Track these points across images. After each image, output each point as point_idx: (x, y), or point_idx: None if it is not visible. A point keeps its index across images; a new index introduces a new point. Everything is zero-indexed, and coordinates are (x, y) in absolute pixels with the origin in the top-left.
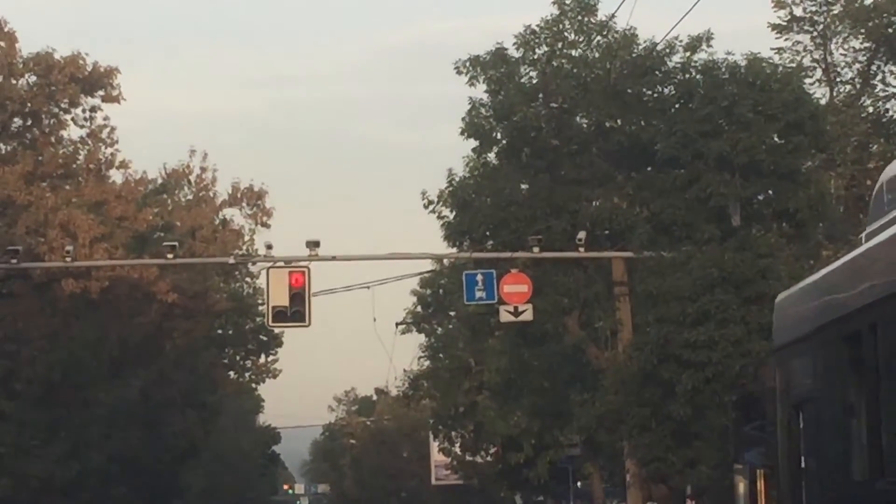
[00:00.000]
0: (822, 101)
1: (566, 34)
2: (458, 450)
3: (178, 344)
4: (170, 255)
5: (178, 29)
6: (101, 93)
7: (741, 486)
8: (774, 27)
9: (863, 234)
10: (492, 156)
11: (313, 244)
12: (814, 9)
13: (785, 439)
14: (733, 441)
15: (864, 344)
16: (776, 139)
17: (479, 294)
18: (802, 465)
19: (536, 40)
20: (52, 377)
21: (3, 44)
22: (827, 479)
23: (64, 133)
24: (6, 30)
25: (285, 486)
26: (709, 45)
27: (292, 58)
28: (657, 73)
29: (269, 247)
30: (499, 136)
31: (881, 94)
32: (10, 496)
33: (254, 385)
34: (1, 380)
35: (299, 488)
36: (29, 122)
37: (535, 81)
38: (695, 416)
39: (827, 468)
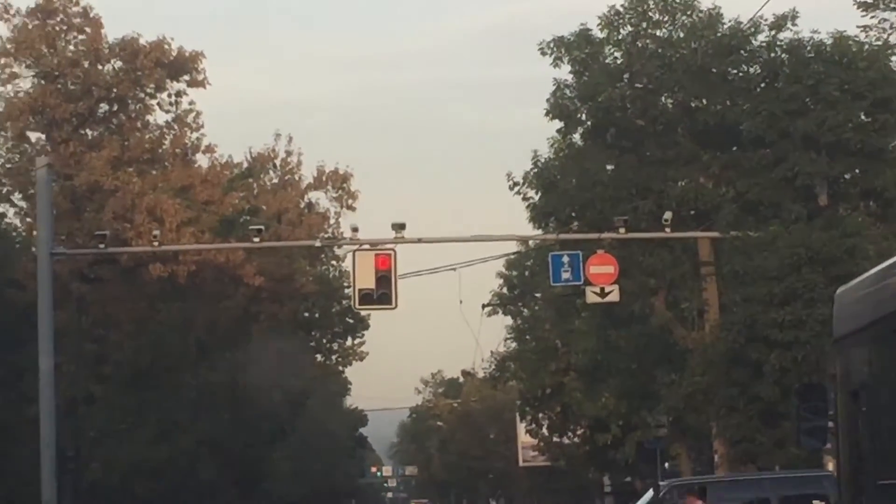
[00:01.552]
0: None
1: (650, 14)
2: (545, 431)
3: (264, 327)
4: (256, 239)
5: (264, 13)
6: (186, 77)
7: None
8: (860, 5)
9: None
10: (577, 137)
11: (399, 226)
12: None
13: (844, 426)
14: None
15: None
16: (863, 117)
17: (565, 275)
18: (859, 450)
19: (621, 20)
20: (140, 361)
21: (88, 30)
22: (882, 465)
23: (150, 118)
24: (92, 16)
25: (373, 469)
26: (794, 24)
27: (378, 41)
28: (742, 52)
29: (355, 230)
30: (583, 116)
31: None
32: (100, 479)
33: (341, 368)
34: (90, 364)
35: (387, 470)
36: (115, 108)
37: (619, 62)
38: (783, 396)
39: (882, 454)
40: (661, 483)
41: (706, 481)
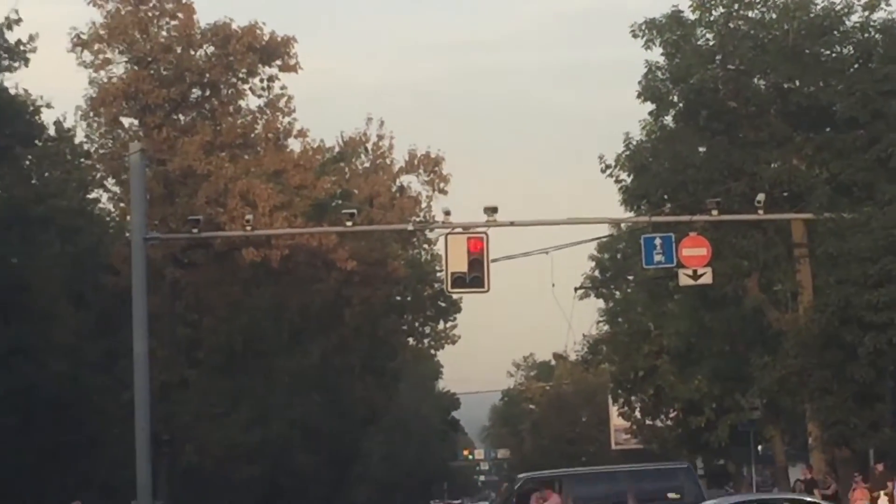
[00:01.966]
0: None
1: None
2: (637, 414)
3: (357, 311)
4: (348, 223)
5: None
6: (278, 62)
7: None
8: None
9: None
10: (669, 119)
11: (491, 210)
12: None
13: None
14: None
15: None
16: None
17: (657, 258)
18: None
19: (713, 2)
20: (233, 345)
21: (181, 15)
22: None
23: (242, 103)
24: (184, 1)
25: (465, 452)
26: (888, 4)
27: (468, 24)
28: (835, 32)
29: (447, 213)
30: (675, 99)
31: None
32: (195, 463)
33: (433, 351)
34: (184, 348)
35: (479, 454)
36: (207, 93)
37: (711, 44)
38: (878, 377)
39: None
40: (518, 476)
41: (561, 475)
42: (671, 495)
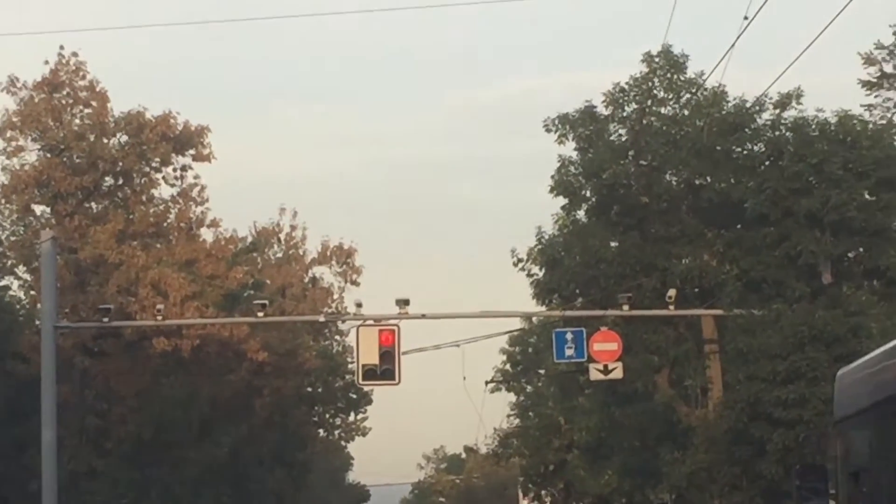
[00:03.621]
0: None
1: (655, 92)
2: None
3: (268, 402)
4: (260, 314)
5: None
6: (191, 151)
7: None
8: (864, 84)
9: None
10: (581, 213)
11: (403, 302)
12: None
13: None
14: None
15: None
16: (867, 196)
17: (568, 352)
18: None
19: (626, 98)
20: (142, 435)
21: (94, 104)
22: None
23: (155, 192)
24: (98, 89)
25: None
26: (798, 103)
27: (381, 118)
28: (747, 130)
29: (359, 305)
30: (588, 193)
31: None
32: None
33: (343, 443)
34: (92, 438)
35: None
36: (120, 182)
37: (624, 139)
38: (786, 475)
39: None
40: None
41: None
42: None
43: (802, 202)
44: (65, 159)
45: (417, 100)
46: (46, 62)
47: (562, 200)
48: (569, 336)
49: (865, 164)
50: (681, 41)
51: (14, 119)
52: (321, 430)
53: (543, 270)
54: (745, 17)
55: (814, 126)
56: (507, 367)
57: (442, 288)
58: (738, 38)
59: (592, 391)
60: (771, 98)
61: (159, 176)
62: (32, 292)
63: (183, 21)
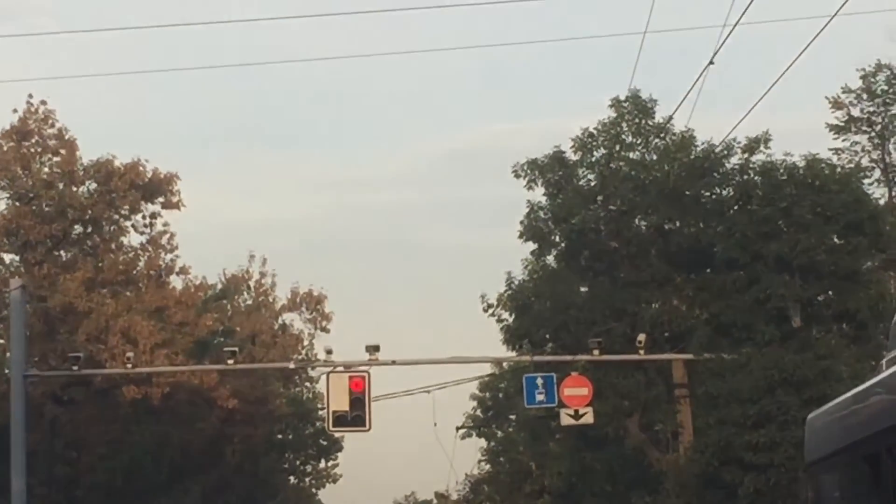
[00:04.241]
0: (882, 202)
1: (624, 137)
2: None
3: (238, 449)
4: (230, 361)
5: (238, 135)
6: (160, 199)
7: None
8: (832, 128)
9: (884, 361)
10: (550, 258)
11: (373, 348)
12: (871, 109)
13: None
14: None
15: (883, 465)
16: (835, 240)
17: (539, 397)
18: None
19: (594, 143)
20: (113, 483)
21: (63, 152)
22: None
23: (124, 239)
24: (67, 138)
25: None
26: (767, 147)
27: (350, 165)
28: (715, 174)
29: (329, 351)
30: (557, 238)
31: None
32: None
33: (314, 490)
34: (62, 486)
35: None
36: (89, 230)
37: (593, 184)
38: None
39: None
40: None
41: None
42: None
43: (771, 246)
44: (34, 207)
45: (385, 145)
46: (15, 110)
47: (531, 246)
48: (539, 381)
49: (834, 208)
50: (649, 85)
51: None
52: (292, 477)
53: (513, 316)
54: (711, 63)
55: (782, 170)
56: (478, 412)
57: (412, 333)
58: (697, 79)
59: (563, 436)
60: (739, 142)
61: (128, 224)
62: (2, 341)
63: (152, 69)
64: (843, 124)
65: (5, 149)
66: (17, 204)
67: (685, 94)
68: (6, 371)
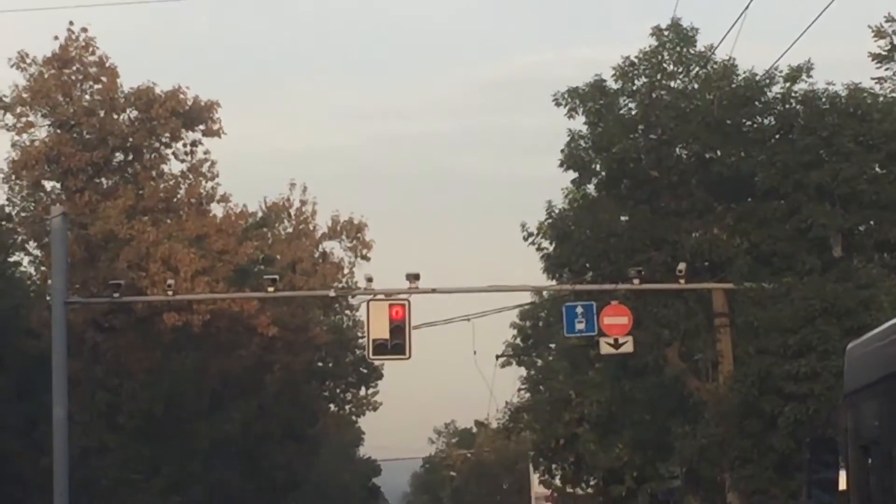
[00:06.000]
0: None
1: (665, 65)
2: (558, 482)
3: (278, 377)
4: (270, 289)
5: (279, 63)
6: (201, 127)
7: None
8: (875, 57)
9: None
10: (591, 187)
11: (413, 277)
12: None
13: (854, 480)
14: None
15: None
16: (877, 169)
17: (579, 326)
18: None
19: (635, 72)
20: (154, 411)
21: (104, 79)
22: None
23: (165, 167)
24: (107, 65)
25: None
26: (809, 76)
27: (391, 93)
28: (757, 103)
29: (370, 279)
30: (598, 167)
31: None
32: None
33: (354, 417)
34: (103, 413)
35: None
36: (130, 157)
37: (634, 113)
38: (797, 448)
39: None
40: None
41: None
42: None
43: (813, 175)
44: (75, 135)
45: (424, 74)
46: (56, 38)
47: (572, 174)
48: (579, 310)
49: (876, 137)
50: (690, 14)
51: (24, 95)
52: (332, 405)
53: (554, 244)
54: None
55: (824, 99)
56: (518, 341)
57: (452, 262)
58: (745, 10)
59: (603, 365)
60: (781, 71)
61: (169, 151)
62: (43, 268)
63: None
64: (885, 53)
65: (46, 76)
66: (59, 131)
67: (732, 24)
68: (48, 298)
